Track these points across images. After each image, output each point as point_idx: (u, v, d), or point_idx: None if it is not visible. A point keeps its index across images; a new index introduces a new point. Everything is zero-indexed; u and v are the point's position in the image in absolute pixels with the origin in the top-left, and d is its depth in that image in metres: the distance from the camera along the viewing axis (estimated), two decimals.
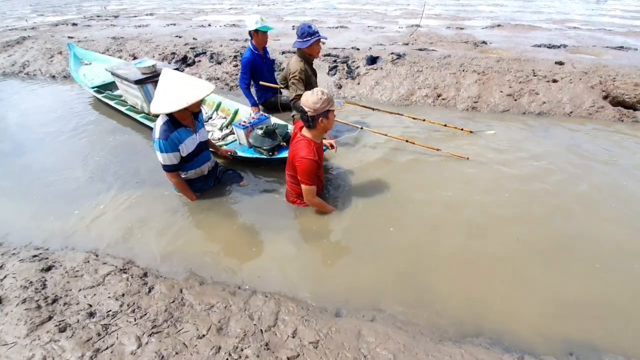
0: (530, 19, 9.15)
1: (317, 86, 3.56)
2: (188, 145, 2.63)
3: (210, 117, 4.41)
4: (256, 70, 4.07)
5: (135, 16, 10.74)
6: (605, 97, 4.78)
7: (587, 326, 1.90)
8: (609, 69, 5.06)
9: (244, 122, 3.50)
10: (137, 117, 4.23)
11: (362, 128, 3.68)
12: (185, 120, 2.58)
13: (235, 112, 4.27)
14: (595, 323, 1.91)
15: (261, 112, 3.91)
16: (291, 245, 2.49)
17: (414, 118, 4.01)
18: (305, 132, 2.44)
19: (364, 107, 4.16)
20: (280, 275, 2.25)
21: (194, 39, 6.82)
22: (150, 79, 4.12)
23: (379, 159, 3.49)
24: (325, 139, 2.98)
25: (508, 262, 2.29)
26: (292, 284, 2.18)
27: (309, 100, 2.23)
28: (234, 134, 3.73)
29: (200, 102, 2.46)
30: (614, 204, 2.80)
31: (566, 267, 2.24)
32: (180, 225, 2.70)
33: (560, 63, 5.23)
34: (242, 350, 1.64)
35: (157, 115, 4.19)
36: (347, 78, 5.40)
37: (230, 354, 1.61)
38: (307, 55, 3.42)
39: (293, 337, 1.75)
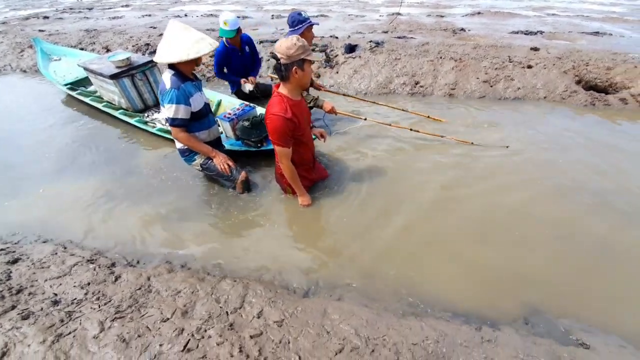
0: (511, 6, 9.22)
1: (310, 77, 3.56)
2: (198, 101, 2.55)
3: None
4: (228, 63, 4.03)
5: (110, 8, 10.44)
6: (578, 82, 4.87)
7: (540, 297, 1.98)
8: (582, 54, 5.15)
9: (229, 114, 3.42)
10: (116, 113, 4.10)
11: (365, 119, 3.63)
12: (190, 75, 2.53)
13: (219, 103, 4.21)
14: (547, 294, 1.99)
15: (246, 103, 3.86)
16: (264, 232, 2.51)
17: (418, 114, 3.93)
18: (281, 88, 2.29)
19: (368, 101, 4.08)
20: (251, 261, 2.27)
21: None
22: (125, 72, 4.00)
23: (381, 149, 3.46)
24: (314, 127, 2.95)
25: (471, 242, 2.34)
26: (262, 269, 2.20)
27: (282, 45, 2.07)
28: (219, 126, 3.68)
29: (201, 58, 2.43)
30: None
31: (521, 243, 2.32)
32: (152, 215, 2.69)
33: (535, 49, 5.30)
34: (205, 331, 1.66)
35: (136, 110, 4.17)
36: (325, 67, 5.37)
37: (193, 335, 1.63)
38: None
39: (258, 317, 1.77)
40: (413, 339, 1.65)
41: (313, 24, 3.22)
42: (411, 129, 3.52)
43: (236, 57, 4.05)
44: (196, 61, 2.41)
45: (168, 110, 2.43)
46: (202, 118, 2.65)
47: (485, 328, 1.80)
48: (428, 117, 3.84)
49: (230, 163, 2.74)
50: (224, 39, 3.85)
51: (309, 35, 3.27)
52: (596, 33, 6.32)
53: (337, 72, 5.31)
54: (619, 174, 3.00)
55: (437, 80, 4.98)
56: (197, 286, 1.99)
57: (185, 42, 2.29)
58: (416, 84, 5.00)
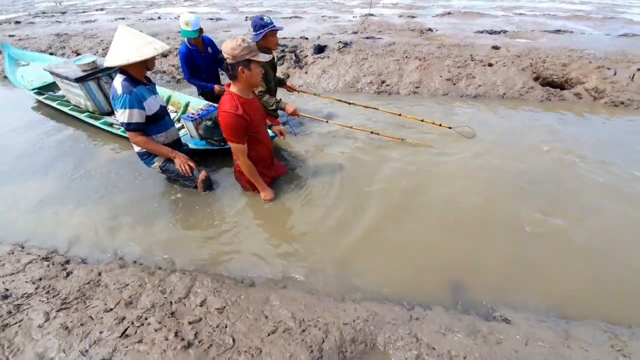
0: (482, 7, 9.49)
1: (274, 81, 3.57)
2: (152, 104, 2.56)
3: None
4: (194, 64, 4.07)
5: (85, 12, 10.37)
6: (536, 79, 5.08)
7: (472, 280, 2.10)
8: (541, 51, 5.38)
9: (193, 114, 3.48)
10: (81, 116, 4.11)
11: (327, 121, 3.69)
12: (143, 79, 2.55)
13: (186, 105, 4.25)
14: (479, 277, 2.12)
15: (209, 103, 3.92)
16: (220, 228, 2.57)
17: (390, 112, 3.92)
18: (232, 87, 2.35)
19: (340, 101, 4.03)
20: (204, 255, 2.34)
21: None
22: (91, 76, 4.02)
23: (340, 149, 3.51)
24: (273, 125, 3.03)
25: (411, 231, 2.47)
26: (214, 262, 2.28)
27: (227, 45, 2.13)
28: (184, 126, 3.73)
29: (154, 60, 2.46)
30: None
31: (453, 230, 2.46)
32: (111, 214, 2.74)
33: (496, 47, 5.50)
34: (145, 319, 1.73)
35: (103, 113, 4.19)
36: (294, 67, 5.48)
37: (132, 323, 1.70)
38: (263, 49, 3.30)
39: (201, 305, 1.85)
40: (345, 319, 1.75)
41: (276, 29, 3.19)
42: (372, 132, 3.59)
43: (200, 57, 4.08)
44: (147, 65, 2.44)
45: (122, 116, 2.45)
46: (159, 121, 2.67)
47: (418, 308, 1.91)
48: (422, 120, 3.78)
49: (191, 164, 2.77)
50: (186, 40, 3.89)
51: (272, 40, 3.26)
52: (558, 31, 6.58)
53: (307, 73, 5.42)
54: (555, 163, 3.19)
55: (402, 79, 5.13)
56: (145, 279, 2.06)
57: (130, 46, 2.32)
58: (382, 82, 5.14)
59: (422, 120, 3.75)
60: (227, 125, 2.32)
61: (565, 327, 1.81)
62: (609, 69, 4.92)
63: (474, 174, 3.06)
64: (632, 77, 4.80)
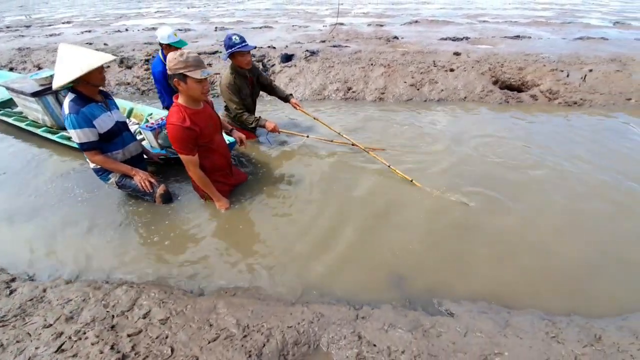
0: (449, 15, 9.82)
1: (250, 99, 3.56)
2: (105, 122, 2.50)
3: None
4: (164, 82, 4.00)
5: (50, 25, 10.17)
6: (495, 82, 5.28)
7: (419, 276, 2.15)
8: (499, 56, 5.60)
9: (152, 123, 3.45)
10: (38, 131, 4.00)
11: (307, 136, 3.61)
12: (95, 96, 2.49)
13: (150, 116, 4.21)
14: (427, 274, 2.17)
15: None
16: (174, 238, 2.53)
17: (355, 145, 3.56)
18: (179, 98, 2.36)
19: (315, 119, 3.82)
20: (155, 267, 2.29)
21: (105, 44, 6.64)
22: (48, 90, 3.94)
23: (306, 160, 3.48)
24: (233, 131, 3.02)
25: (363, 233, 2.51)
26: (165, 273, 2.24)
27: (169, 57, 2.18)
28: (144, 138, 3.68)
29: (102, 75, 2.40)
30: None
31: (404, 230, 2.51)
32: (64, 229, 2.65)
33: (457, 53, 5.70)
34: (84, 333, 1.69)
35: (62, 127, 4.09)
36: None
37: (70, 337, 1.66)
38: (237, 67, 3.31)
39: (144, 317, 1.82)
40: (290, 322, 1.76)
41: (243, 50, 3.12)
42: (352, 144, 3.55)
43: None
44: (91, 81, 2.38)
45: (73, 136, 2.42)
46: (113, 138, 2.62)
47: (366, 307, 1.93)
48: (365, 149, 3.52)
49: (152, 180, 2.74)
50: (161, 55, 3.82)
51: (242, 60, 3.21)
52: (517, 37, 6.87)
53: (274, 81, 5.46)
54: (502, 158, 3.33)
55: (368, 85, 5.24)
56: (90, 294, 2.01)
57: (71, 64, 2.27)
58: (349, 89, 5.23)
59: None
60: (174, 138, 2.33)
61: (506, 317, 1.87)
62: (562, 71, 5.17)
63: (424, 174, 3.15)
64: (584, 78, 5.06)
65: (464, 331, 1.74)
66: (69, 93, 2.42)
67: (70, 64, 2.30)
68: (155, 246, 2.46)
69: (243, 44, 3.13)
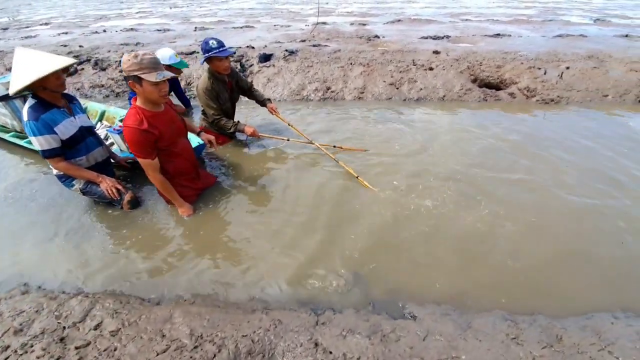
0: (432, 14, 9.84)
1: (230, 103, 3.48)
2: (68, 128, 2.41)
3: (94, 127, 4.22)
4: None
5: (28, 27, 9.94)
6: (474, 81, 5.28)
7: (385, 280, 2.10)
8: (478, 55, 5.61)
9: (120, 126, 3.38)
10: (6, 136, 3.90)
11: (288, 139, 3.54)
12: (58, 101, 2.40)
13: (121, 120, 4.12)
14: (393, 276, 2.13)
15: None
16: (136, 245, 2.45)
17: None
18: (138, 100, 2.30)
19: (289, 125, 3.71)
20: (113, 276, 2.21)
21: (80, 46, 6.49)
22: (17, 93, 3.84)
23: (292, 165, 3.38)
24: (202, 133, 2.97)
25: (329, 237, 2.46)
26: (123, 283, 2.16)
27: (123, 58, 2.13)
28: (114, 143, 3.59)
29: (59, 80, 2.30)
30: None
31: (371, 233, 2.47)
32: (23, 237, 2.56)
33: (437, 52, 5.69)
34: (31, 346, 1.62)
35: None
36: None
37: (15, 351, 1.59)
38: (215, 72, 3.23)
39: (95, 329, 1.75)
40: (245, 331, 1.70)
41: (221, 55, 3.03)
42: (334, 146, 3.54)
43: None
44: (51, 87, 2.28)
45: (34, 143, 2.34)
46: (77, 144, 2.53)
47: (328, 312, 1.89)
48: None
49: (119, 187, 2.65)
50: None
51: (220, 65, 3.12)
52: (497, 35, 6.90)
53: (252, 81, 5.39)
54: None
55: (347, 85, 5.20)
56: (44, 305, 1.93)
57: (27, 68, 2.18)
58: (328, 89, 5.19)
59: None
60: (131, 141, 2.26)
61: (468, 320, 1.84)
62: (539, 69, 5.19)
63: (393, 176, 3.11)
64: (561, 75, 5.09)
65: (424, 335, 1.70)
66: (30, 98, 2.33)
67: (25, 69, 2.21)
68: (116, 254, 2.38)
69: (221, 49, 3.04)
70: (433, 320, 1.83)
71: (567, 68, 5.22)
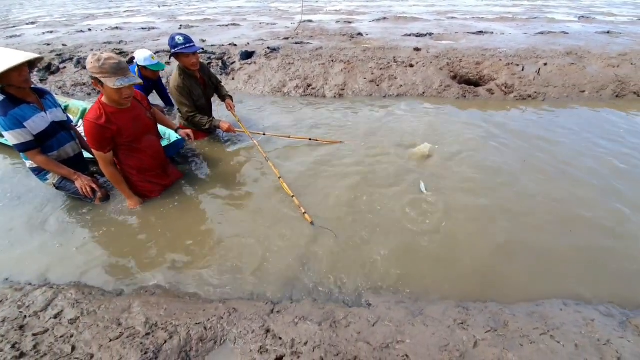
0: (418, 12, 9.90)
1: (204, 99, 3.49)
2: (38, 123, 2.44)
3: (77, 125, 4.23)
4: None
5: (14, 26, 9.88)
6: (454, 77, 5.35)
7: (342, 270, 2.15)
8: (458, 52, 5.67)
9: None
10: None
11: (264, 134, 3.62)
12: (28, 97, 2.44)
13: (83, 112, 4.13)
14: (354, 267, 2.17)
15: None
16: (101, 236, 2.48)
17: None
18: (103, 97, 2.36)
19: (239, 121, 3.77)
20: (77, 267, 2.24)
21: (63, 45, 6.47)
22: None
23: (250, 155, 3.45)
24: (179, 129, 3.02)
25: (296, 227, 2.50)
26: (86, 272, 2.19)
27: (88, 58, 2.18)
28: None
29: (22, 77, 2.31)
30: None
31: (339, 223, 2.51)
32: None
33: (418, 49, 5.75)
34: None
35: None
36: (221, 74, 5.47)
37: None
38: (184, 68, 3.24)
39: (55, 318, 1.78)
40: (199, 319, 1.74)
41: (187, 51, 3.05)
42: (310, 139, 3.58)
43: (139, 89, 3.97)
44: (14, 83, 2.32)
45: (7, 138, 2.39)
46: (48, 140, 2.56)
47: (285, 302, 1.93)
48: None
49: (94, 185, 2.70)
50: (136, 70, 3.85)
51: (187, 61, 3.13)
52: (480, 32, 6.97)
53: (233, 79, 5.43)
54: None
55: (328, 82, 5.24)
56: (8, 295, 1.96)
57: None
58: (308, 86, 5.22)
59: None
60: (88, 133, 2.32)
61: (422, 307, 1.88)
62: (517, 65, 5.26)
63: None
64: (539, 72, 5.17)
65: (375, 321, 1.75)
66: None
67: None
68: (83, 247, 2.40)
69: (187, 45, 3.06)
70: (387, 307, 1.87)
71: (545, 64, 5.29)
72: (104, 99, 2.35)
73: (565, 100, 4.87)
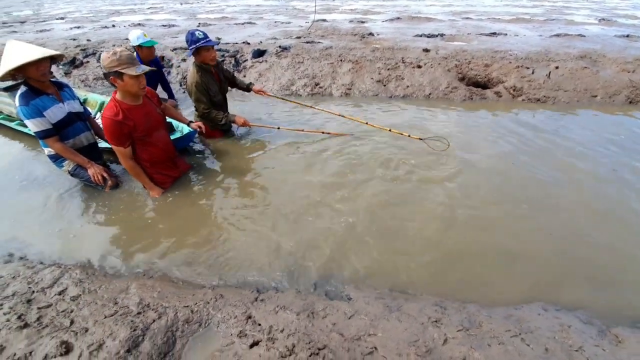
0: (434, 12, 9.81)
1: (221, 95, 3.59)
2: (56, 113, 2.66)
3: (85, 113, 4.47)
4: None
5: (45, 21, 10.35)
6: (462, 79, 5.33)
7: (333, 265, 2.24)
8: (467, 53, 5.64)
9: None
10: (12, 125, 4.20)
11: (279, 128, 3.71)
12: (47, 89, 2.67)
13: (102, 105, 4.34)
14: (340, 261, 2.26)
15: None
16: (108, 221, 2.66)
17: (358, 121, 3.83)
18: (117, 94, 2.50)
19: (303, 104, 4.11)
20: (86, 248, 2.42)
21: (87, 40, 6.78)
22: (21, 84, 4.11)
23: (278, 153, 3.56)
24: (191, 122, 3.16)
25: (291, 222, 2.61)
26: (92, 256, 2.37)
27: (102, 56, 2.32)
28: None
29: (40, 70, 2.52)
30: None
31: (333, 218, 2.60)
32: (18, 213, 2.81)
33: (427, 50, 5.74)
34: (1, 305, 1.84)
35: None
36: (233, 71, 5.61)
37: None
38: (202, 64, 3.34)
39: (59, 294, 1.95)
40: (188, 302, 1.87)
41: (207, 45, 3.18)
42: (323, 132, 3.75)
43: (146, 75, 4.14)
44: (32, 75, 2.53)
45: (29, 126, 2.63)
46: (65, 128, 2.78)
47: (271, 292, 2.04)
48: (367, 123, 3.75)
49: (105, 174, 2.89)
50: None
51: (207, 56, 3.25)
52: (493, 34, 6.88)
53: (245, 76, 5.57)
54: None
55: (335, 81, 5.32)
56: (21, 272, 2.15)
57: (12, 57, 2.43)
58: (316, 85, 5.32)
59: (390, 130, 3.62)
60: (107, 130, 2.49)
61: (401, 304, 1.95)
62: (527, 68, 5.20)
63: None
64: (549, 75, 5.09)
65: (351, 314, 1.83)
66: (22, 86, 2.59)
67: (8, 59, 2.46)
68: (91, 231, 2.60)
69: (207, 39, 3.20)
70: (365, 302, 1.95)
71: (557, 68, 5.21)
72: (118, 96, 2.51)
73: (576, 105, 4.79)
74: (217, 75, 3.56)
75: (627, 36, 6.70)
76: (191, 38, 3.19)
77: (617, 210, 2.69)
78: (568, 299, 2.03)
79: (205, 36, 3.22)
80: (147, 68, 2.45)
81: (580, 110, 4.58)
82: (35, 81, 2.60)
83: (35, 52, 2.48)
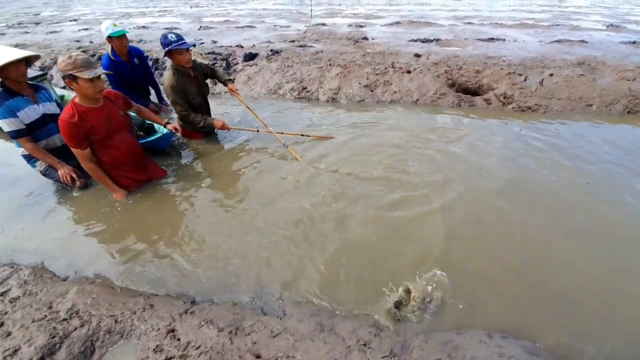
0: (435, 16, 9.65)
1: (200, 97, 3.61)
2: (29, 114, 2.76)
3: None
4: (119, 77, 4.09)
5: (58, 22, 10.67)
6: (452, 85, 5.21)
7: (267, 272, 2.19)
8: (459, 59, 5.51)
9: None
10: None
11: (258, 131, 3.73)
12: (23, 90, 2.77)
13: None
14: (285, 273, 2.21)
15: None
16: (65, 223, 2.70)
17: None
18: (77, 97, 2.55)
19: (247, 107, 3.95)
20: (44, 250, 2.45)
21: (90, 42, 6.94)
22: None
23: (255, 156, 3.57)
24: (168, 124, 3.20)
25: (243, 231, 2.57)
26: (45, 258, 2.39)
27: (59, 60, 2.37)
28: None
29: (19, 71, 2.65)
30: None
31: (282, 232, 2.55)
32: None
33: (418, 55, 5.64)
34: None
35: None
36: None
37: None
38: (178, 67, 3.34)
39: (1, 295, 1.99)
40: (115, 311, 1.85)
41: (180, 48, 3.18)
42: (302, 135, 3.77)
43: (124, 69, 4.12)
44: (11, 76, 2.64)
45: (2, 126, 2.73)
46: (38, 129, 2.87)
47: (205, 304, 2.01)
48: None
49: (73, 175, 2.95)
50: (110, 52, 3.99)
51: (180, 58, 3.25)
52: (491, 39, 6.71)
53: (234, 79, 5.58)
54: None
55: (322, 85, 5.28)
56: None
57: None
58: (303, 89, 5.28)
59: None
60: (63, 132, 2.53)
61: (335, 323, 1.87)
62: (520, 75, 5.04)
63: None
64: (542, 82, 4.91)
65: (277, 332, 1.77)
66: None
67: None
68: (55, 231, 2.64)
69: (179, 42, 3.19)
70: (299, 320, 1.88)
71: (551, 75, 5.02)
72: (77, 99, 2.56)
73: (569, 114, 4.60)
74: (195, 78, 3.54)
75: (634, 43, 6.42)
76: (164, 41, 3.20)
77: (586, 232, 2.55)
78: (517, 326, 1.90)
79: (179, 39, 3.21)
80: (101, 71, 2.48)
81: (570, 121, 4.39)
82: (12, 82, 2.70)
83: (15, 53, 2.60)
